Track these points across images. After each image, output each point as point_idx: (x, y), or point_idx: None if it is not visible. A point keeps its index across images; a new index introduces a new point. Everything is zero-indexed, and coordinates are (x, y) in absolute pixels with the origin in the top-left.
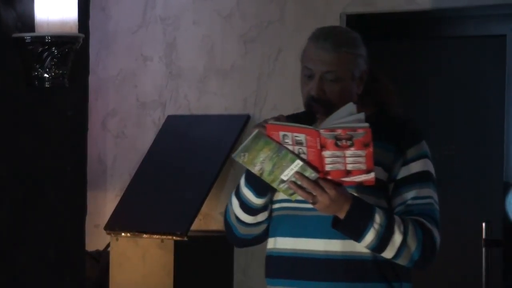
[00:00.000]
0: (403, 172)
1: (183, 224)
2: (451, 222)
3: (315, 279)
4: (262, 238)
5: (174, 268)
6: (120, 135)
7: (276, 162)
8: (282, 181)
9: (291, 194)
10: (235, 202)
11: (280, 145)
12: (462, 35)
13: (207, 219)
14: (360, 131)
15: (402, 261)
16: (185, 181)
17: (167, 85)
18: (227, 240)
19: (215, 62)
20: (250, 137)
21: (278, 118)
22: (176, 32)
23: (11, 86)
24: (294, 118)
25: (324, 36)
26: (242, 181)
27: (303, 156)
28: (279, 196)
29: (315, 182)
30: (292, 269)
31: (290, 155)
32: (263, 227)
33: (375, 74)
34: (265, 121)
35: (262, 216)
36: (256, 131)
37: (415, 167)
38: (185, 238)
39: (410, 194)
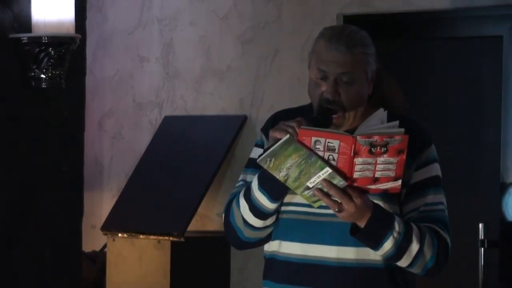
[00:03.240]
0: (416, 177)
1: (180, 225)
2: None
3: (325, 287)
4: (265, 240)
5: (171, 268)
6: (116, 136)
7: (303, 168)
8: (307, 188)
9: (315, 202)
10: (244, 205)
11: (311, 151)
12: (459, 36)
13: (204, 220)
14: (397, 137)
15: (415, 269)
16: (182, 182)
17: (164, 85)
18: (224, 241)
19: (212, 63)
20: (280, 142)
21: (299, 122)
22: (172, 32)
23: (8, 86)
24: (312, 121)
25: (337, 37)
26: (255, 185)
27: (332, 162)
28: (291, 199)
29: (343, 191)
30: (301, 275)
31: (319, 162)
32: (269, 230)
33: (380, 73)
34: (295, 124)
35: (271, 220)
36: (287, 136)
37: (428, 172)
38: (182, 239)
39: (423, 200)
